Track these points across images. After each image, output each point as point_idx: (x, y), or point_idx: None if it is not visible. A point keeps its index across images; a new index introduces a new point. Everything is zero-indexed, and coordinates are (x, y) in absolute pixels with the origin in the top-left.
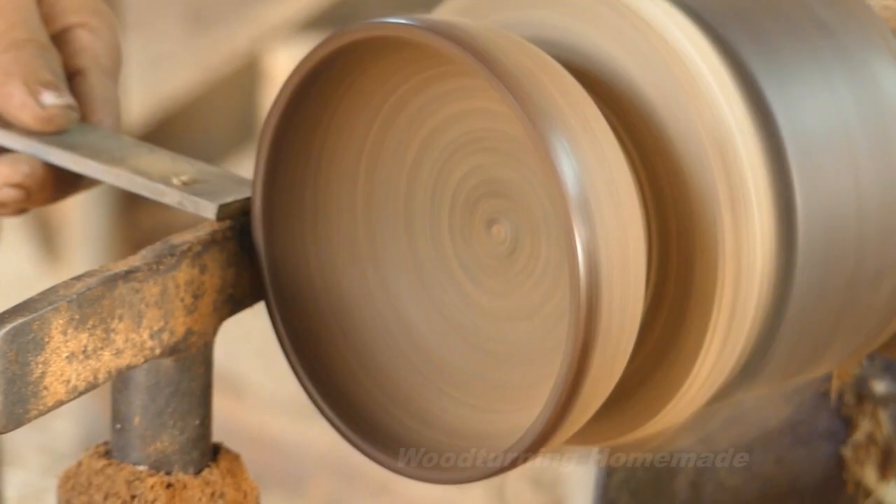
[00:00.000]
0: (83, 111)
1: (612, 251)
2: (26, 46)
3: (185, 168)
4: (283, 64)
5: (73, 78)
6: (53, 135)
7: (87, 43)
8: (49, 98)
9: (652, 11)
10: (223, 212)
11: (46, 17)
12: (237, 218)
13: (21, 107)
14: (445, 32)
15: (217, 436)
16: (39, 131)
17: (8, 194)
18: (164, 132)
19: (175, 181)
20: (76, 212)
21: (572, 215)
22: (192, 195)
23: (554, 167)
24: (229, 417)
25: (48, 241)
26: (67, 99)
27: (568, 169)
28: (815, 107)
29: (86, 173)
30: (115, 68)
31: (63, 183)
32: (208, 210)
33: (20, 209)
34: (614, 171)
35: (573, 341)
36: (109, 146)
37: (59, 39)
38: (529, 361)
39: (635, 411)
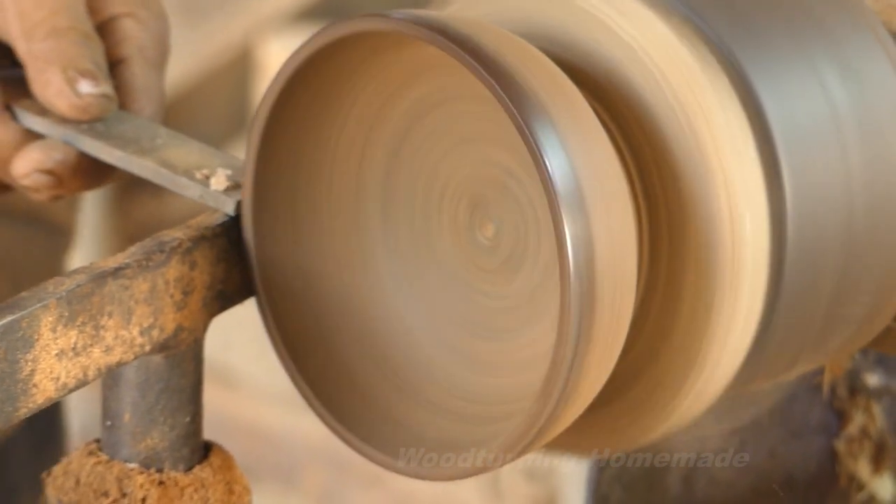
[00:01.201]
0: (124, 99)
1: (602, 243)
2: (67, 34)
3: (212, 161)
4: (275, 55)
5: (116, 66)
6: (89, 123)
7: (133, 32)
8: (86, 87)
9: (639, 5)
10: (240, 207)
11: (93, 7)
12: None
13: (58, 94)
14: (435, 27)
15: (209, 427)
16: (75, 119)
17: (39, 180)
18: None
19: (198, 175)
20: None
21: (561, 207)
22: (212, 191)
23: (541, 159)
24: (222, 409)
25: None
26: (105, 88)
27: (556, 161)
28: (805, 98)
29: (113, 163)
30: (160, 59)
31: (97, 171)
32: (227, 205)
33: (55, 195)
34: (603, 163)
35: (563, 335)
36: (143, 136)
37: (105, 28)
38: (516, 360)
39: (627, 409)
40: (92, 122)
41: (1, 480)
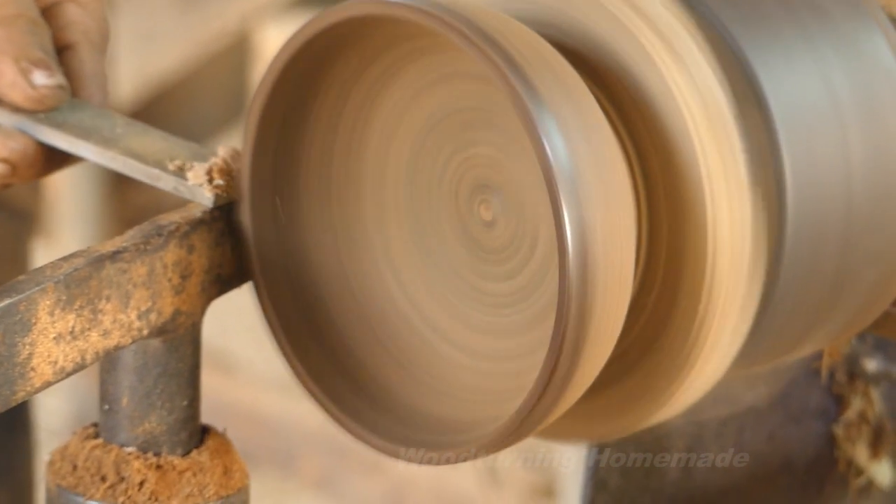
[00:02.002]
0: (73, 86)
1: (600, 228)
2: (16, 22)
3: (179, 151)
4: (272, 41)
5: (62, 52)
6: (44, 112)
7: (77, 17)
8: (40, 77)
9: None
10: (220, 199)
11: None
12: (231, 203)
13: (11, 85)
14: (432, 9)
15: (207, 413)
16: (30, 110)
17: None
18: (154, 109)
19: (170, 166)
20: (66, 188)
21: (560, 193)
22: (187, 181)
23: (541, 143)
24: (220, 394)
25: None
26: (59, 78)
27: (555, 146)
28: (805, 85)
29: (79, 154)
30: (103, 43)
31: (51, 159)
32: (205, 198)
33: (5, 184)
34: (603, 148)
35: (562, 320)
36: (101, 124)
37: (49, 13)
38: (516, 347)
39: (624, 396)
40: (47, 112)
41: None
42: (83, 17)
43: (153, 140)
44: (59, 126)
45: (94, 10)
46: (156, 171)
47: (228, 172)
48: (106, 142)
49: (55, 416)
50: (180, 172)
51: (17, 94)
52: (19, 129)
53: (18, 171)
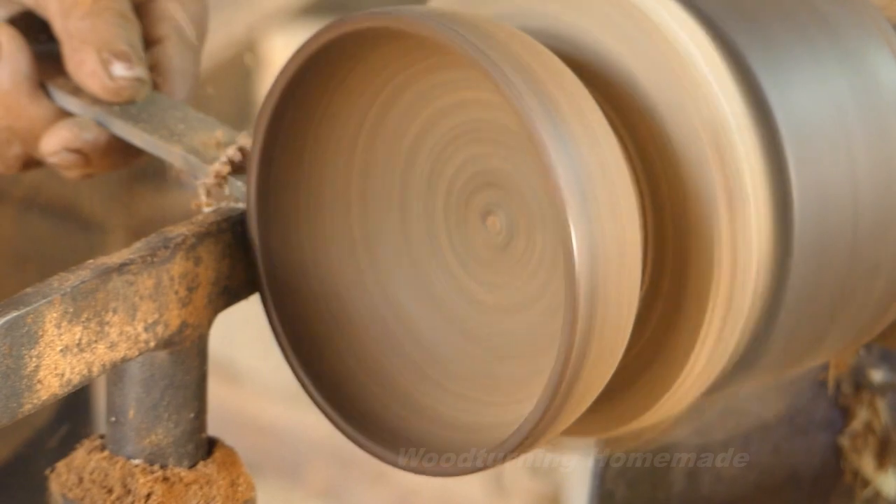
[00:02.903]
0: (158, 80)
1: (607, 243)
2: (104, 14)
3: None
4: (280, 51)
5: (152, 46)
6: (121, 105)
7: (171, 12)
8: (119, 69)
9: (648, 2)
10: (237, 189)
11: None
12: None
13: (91, 75)
14: (440, 23)
15: (214, 423)
16: (107, 101)
17: (67, 158)
18: None
19: (222, 164)
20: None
21: (567, 207)
22: (235, 179)
23: (548, 158)
24: (227, 404)
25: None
26: (138, 71)
27: (562, 160)
28: (812, 99)
29: (142, 146)
30: (196, 40)
31: (125, 152)
32: (241, 193)
33: (85, 174)
34: (610, 162)
35: (568, 334)
36: (173, 119)
37: (143, 8)
38: (525, 354)
39: (631, 403)
40: (124, 104)
41: (32, 473)
42: (177, 13)
43: (220, 137)
44: (133, 119)
45: (190, 7)
46: (207, 168)
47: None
48: (170, 137)
49: None
50: (231, 170)
51: (96, 84)
52: (95, 121)
53: (92, 162)
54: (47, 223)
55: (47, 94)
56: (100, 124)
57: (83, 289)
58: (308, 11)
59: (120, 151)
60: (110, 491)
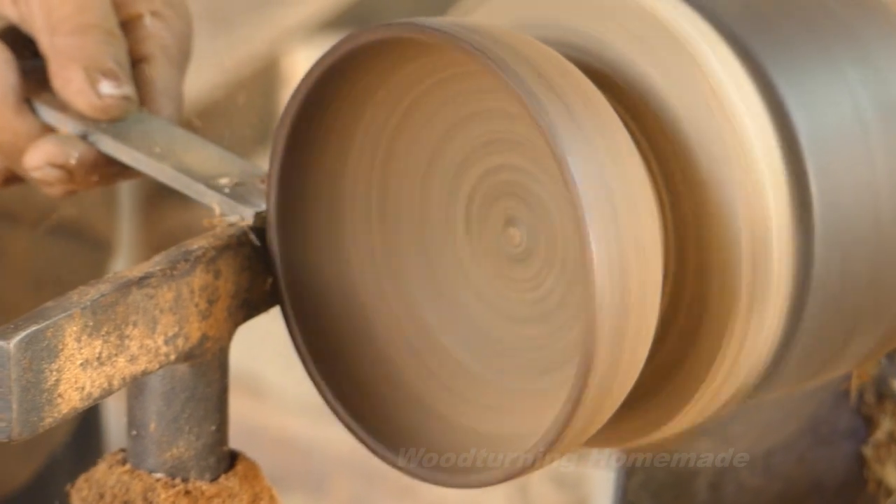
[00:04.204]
0: (144, 99)
1: (627, 253)
2: (91, 32)
3: (231, 168)
4: (301, 65)
5: (137, 65)
6: (108, 122)
7: (156, 31)
8: (107, 88)
9: (666, 11)
10: (259, 219)
11: (118, 3)
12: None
13: (78, 93)
14: (459, 34)
15: (237, 437)
16: (94, 119)
17: (51, 174)
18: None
19: (217, 182)
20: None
21: (587, 219)
22: (231, 199)
23: (569, 170)
24: (250, 419)
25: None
26: (126, 90)
27: (583, 172)
28: (832, 105)
29: (131, 164)
30: (181, 59)
31: (110, 169)
32: (246, 216)
33: (67, 190)
34: (630, 173)
35: (588, 344)
36: (162, 138)
37: (128, 26)
38: (547, 365)
39: (654, 413)
40: (111, 122)
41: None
42: (162, 31)
43: (208, 155)
44: (120, 137)
45: (175, 26)
46: (201, 188)
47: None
48: (161, 155)
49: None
50: (225, 190)
51: (83, 102)
52: (81, 137)
53: (76, 179)
54: (61, 245)
55: (32, 110)
56: (86, 141)
57: (103, 302)
58: (330, 26)
59: (104, 168)
60: None
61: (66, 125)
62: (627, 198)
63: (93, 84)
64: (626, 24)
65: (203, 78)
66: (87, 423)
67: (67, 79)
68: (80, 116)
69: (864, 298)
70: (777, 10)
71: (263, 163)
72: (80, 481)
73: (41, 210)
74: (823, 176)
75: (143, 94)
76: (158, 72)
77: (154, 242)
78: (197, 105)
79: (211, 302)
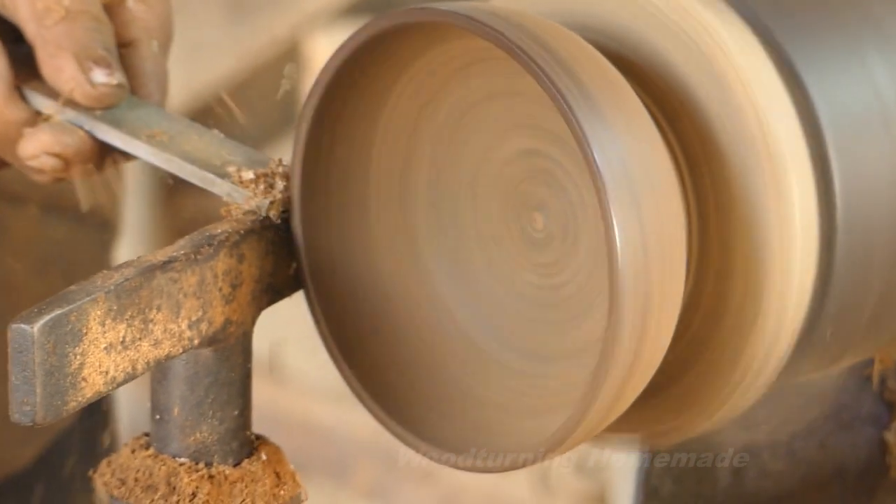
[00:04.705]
0: (132, 84)
1: (650, 237)
2: (79, 18)
3: (234, 156)
4: (323, 50)
5: (122, 49)
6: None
7: (140, 14)
8: (100, 76)
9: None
10: (273, 207)
11: None
12: (285, 210)
13: (70, 81)
14: (482, 18)
15: (260, 422)
16: (87, 107)
17: (46, 163)
18: (203, 120)
19: (225, 170)
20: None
21: (610, 200)
22: (242, 188)
23: (590, 151)
24: (272, 404)
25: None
26: (118, 77)
27: (604, 153)
28: (854, 91)
29: (133, 153)
30: (166, 41)
31: (105, 156)
32: (257, 205)
33: (58, 178)
34: (651, 153)
35: (611, 329)
36: (158, 124)
37: (112, 10)
38: (563, 351)
39: (674, 401)
40: (104, 110)
41: (55, 475)
42: (146, 15)
43: (210, 142)
44: (115, 123)
45: (157, 8)
46: (210, 177)
47: (284, 177)
48: (161, 142)
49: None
50: (234, 177)
51: (76, 91)
52: (75, 125)
53: (71, 167)
54: (66, 226)
55: (23, 98)
56: (80, 128)
57: (127, 286)
58: (351, 11)
59: (99, 155)
60: (156, 489)
61: (57, 112)
62: (648, 177)
63: (85, 72)
64: (651, 11)
65: (224, 64)
66: (93, 404)
67: (58, 67)
68: (71, 103)
69: (887, 279)
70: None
71: (286, 148)
72: (103, 465)
73: (49, 192)
74: (846, 162)
75: (131, 78)
76: (145, 56)
77: (162, 223)
78: (218, 91)
79: (234, 286)
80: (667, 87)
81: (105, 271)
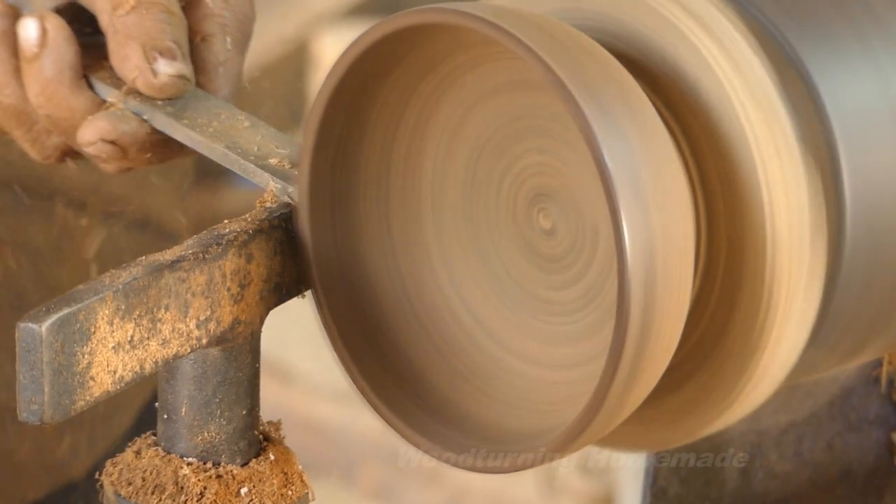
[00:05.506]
0: (202, 77)
1: (658, 237)
2: (151, 10)
3: (283, 148)
4: (331, 49)
5: (197, 43)
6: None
7: (217, 9)
8: (164, 66)
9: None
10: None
11: None
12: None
13: (134, 70)
14: (490, 17)
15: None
16: (150, 97)
17: (103, 149)
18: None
19: (267, 162)
20: None
21: (619, 201)
22: (279, 178)
23: (600, 152)
24: (279, 405)
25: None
26: (182, 69)
27: (614, 153)
28: (862, 86)
29: (184, 142)
30: (242, 39)
31: (164, 147)
32: (295, 195)
33: (121, 168)
34: (661, 153)
35: (619, 331)
36: (217, 117)
37: (190, 4)
38: (571, 356)
39: (682, 404)
40: (167, 100)
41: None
42: (224, 11)
43: (262, 135)
44: (175, 115)
45: (237, 5)
46: (251, 167)
47: None
48: (214, 134)
49: None
50: (275, 168)
51: (139, 80)
52: (136, 113)
53: (129, 155)
54: (129, 236)
55: (90, 86)
56: (140, 118)
57: (135, 286)
58: (359, 10)
59: (158, 146)
60: (163, 489)
61: (122, 102)
62: (657, 177)
63: (150, 62)
64: (659, 12)
65: None
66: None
67: (125, 56)
68: (136, 93)
69: (894, 280)
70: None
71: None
72: (109, 466)
73: (111, 200)
74: (855, 159)
75: (201, 72)
76: (217, 51)
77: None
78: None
79: (243, 286)
80: (675, 87)
81: (113, 270)
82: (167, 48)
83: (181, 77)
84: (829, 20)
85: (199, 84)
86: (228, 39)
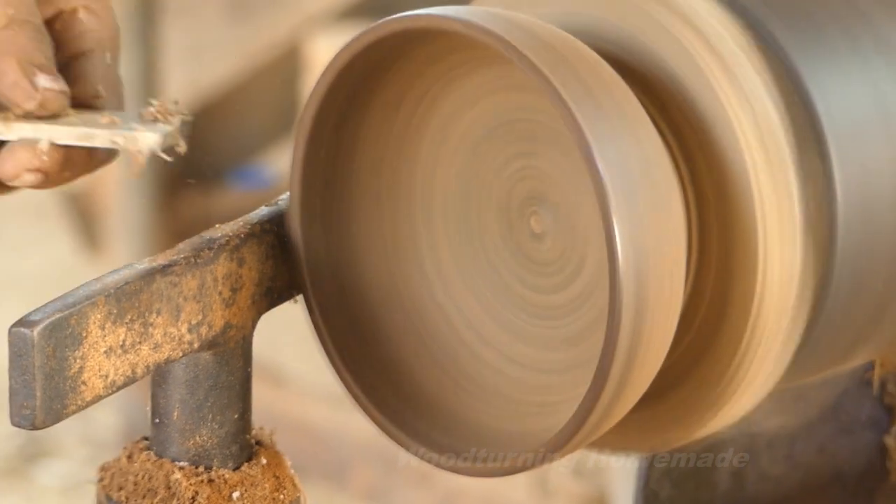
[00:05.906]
0: (89, 92)
1: (650, 241)
2: (24, 27)
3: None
4: (323, 52)
5: (77, 60)
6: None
7: (92, 25)
8: (44, 81)
9: (689, 1)
10: (169, 138)
11: (42, 0)
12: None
13: (13, 86)
14: (483, 22)
15: (258, 425)
16: (32, 113)
17: (28, 180)
18: (205, 121)
19: (101, 121)
20: (117, 202)
21: (612, 210)
22: (124, 130)
23: (593, 161)
24: (271, 407)
25: (89, 232)
26: (62, 84)
27: (605, 157)
28: (855, 93)
29: (89, 144)
30: (116, 49)
31: (83, 161)
32: (149, 138)
33: (41, 188)
34: (652, 157)
35: (611, 335)
36: (105, 116)
37: (60, 22)
38: (562, 361)
39: (674, 407)
40: (49, 117)
41: None
42: (97, 26)
43: (123, 117)
44: (66, 123)
45: (106, 18)
46: (87, 130)
47: (168, 112)
48: (67, 121)
49: (104, 429)
50: (113, 125)
51: (20, 95)
52: (32, 139)
53: (51, 178)
54: None
55: None
56: (39, 140)
57: (127, 290)
58: (351, 13)
59: (76, 161)
60: (155, 493)
61: (10, 132)
62: (648, 180)
63: (29, 77)
64: (650, 14)
65: (225, 65)
66: None
67: (1, 71)
68: (23, 116)
69: (884, 292)
70: (802, 1)
71: (286, 150)
72: (100, 471)
73: None
74: (847, 161)
75: (87, 87)
76: (99, 64)
77: (176, 229)
78: (219, 92)
79: (234, 290)
80: (668, 93)
81: (105, 274)
82: (43, 63)
83: (63, 93)
84: (820, 22)
85: (84, 99)
86: (107, 54)
